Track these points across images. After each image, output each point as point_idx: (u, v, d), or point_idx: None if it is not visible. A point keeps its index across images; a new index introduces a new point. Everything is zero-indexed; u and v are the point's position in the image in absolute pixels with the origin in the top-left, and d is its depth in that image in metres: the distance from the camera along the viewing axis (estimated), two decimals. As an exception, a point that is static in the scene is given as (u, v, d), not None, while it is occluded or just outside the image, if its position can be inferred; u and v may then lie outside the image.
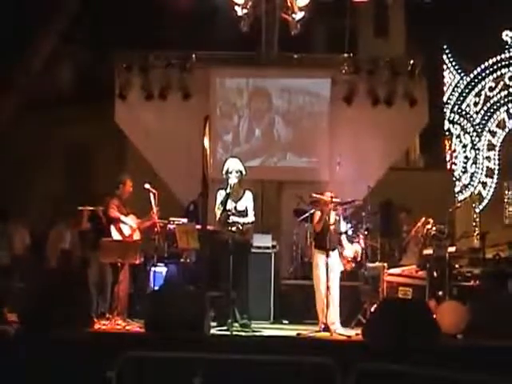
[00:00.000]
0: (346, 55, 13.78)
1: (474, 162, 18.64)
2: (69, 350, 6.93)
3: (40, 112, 15.58)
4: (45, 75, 14.94)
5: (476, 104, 18.74)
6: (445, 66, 18.90)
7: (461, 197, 18.28)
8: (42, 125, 15.74)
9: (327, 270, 8.84)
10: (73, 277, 10.78)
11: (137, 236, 9.49)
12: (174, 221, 10.48)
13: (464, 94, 18.84)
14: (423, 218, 10.54)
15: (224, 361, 6.13)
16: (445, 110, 18.68)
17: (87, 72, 16.03)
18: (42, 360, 6.78)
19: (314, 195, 9.61)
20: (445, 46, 18.81)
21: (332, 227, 9.14)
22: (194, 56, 13.43)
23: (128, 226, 9.40)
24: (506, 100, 18.33)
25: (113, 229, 9.35)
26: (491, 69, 18.51)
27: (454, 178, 18.12)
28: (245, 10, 13.02)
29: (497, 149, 18.48)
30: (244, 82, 13.88)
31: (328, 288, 8.79)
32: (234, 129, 13.75)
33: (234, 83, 13.88)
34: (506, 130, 18.35)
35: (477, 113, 18.68)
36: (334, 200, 9.16)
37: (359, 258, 10.37)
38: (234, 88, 13.85)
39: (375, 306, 8.87)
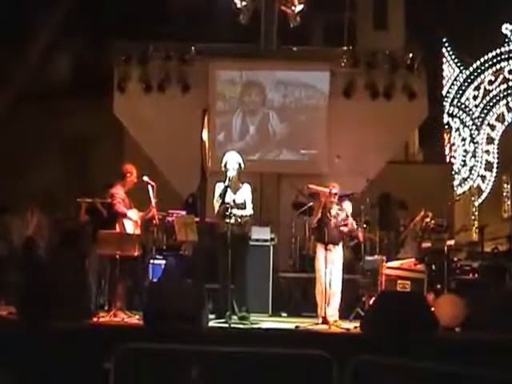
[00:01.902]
0: (345, 48, 13.77)
1: (473, 156, 18.65)
2: (67, 341, 6.94)
3: (38, 104, 15.53)
4: (43, 67, 14.91)
5: (475, 97, 18.75)
6: (444, 60, 18.90)
7: (460, 190, 18.30)
8: (40, 117, 15.69)
9: (327, 263, 8.83)
10: (72, 269, 10.76)
11: (138, 231, 9.46)
12: (172, 213, 10.48)
13: (463, 88, 18.84)
14: (422, 212, 10.54)
15: (222, 353, 6.13)
16: (444, 103, 18.69)
17: (86, 64, 15.97)
18: (40, 351, 6.79)
19: (311, 186, 9.58)
20: (444, 39, 18.80)
21: (333, 221, 9.12)
22: (193, 48, 13.41)
23: (132, 222, 9.32)
24: (505, 93, 18.33)
25: (116, 225, 9.29)
26: (491, 62, 18.51)
27: (453, 172, 18.11)
28: (244, 3, 13.05)
29: (496, 142, 18.49)
30: (238, 74, 13.85)
31: (329, 281, 8.80)
32: (228, 125, 13.72)
33: (230, 76, 13.84)
34: (505, 123, 18.35)
35: (476, 106, 18.69)
36: (331, 192, 9.12)
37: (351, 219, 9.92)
38: (229, 81, 13.81)
39: (374, 299, 8.88)
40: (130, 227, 9.25)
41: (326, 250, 8.90)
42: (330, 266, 8.87)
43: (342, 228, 9.24)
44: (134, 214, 9.37)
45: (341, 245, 9.28)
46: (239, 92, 13.82)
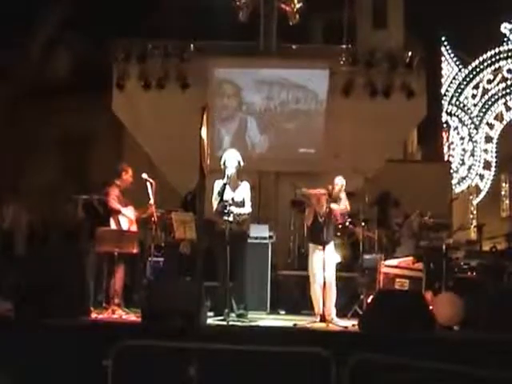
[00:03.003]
0: (344, 46, 13.76)
1: (472, 155, 18.66)
2: (65, 338, 6.94)
3: (37, 101, 15.54)
4: (42, 65, 14.91)
5: (474, 96, 18.76)
6: (443, 58, 18.91)
7: (458, 189, 18.31)
8: (39, 113, 15.69)
9: (322, 263, 8.81)
10: (70, 265, 10.75)
11: (134, 228, 9.45)
12: (171, 210, 10.47)
13: (462, 87, 18.85)
14: (417, 211, 10.54)
15: (220, 351, 6.13)
16: (443, 102, 18.70)
17: (85, 61, 15.98)
18: (38, 348, 6.79)
19: (304, 190, 9.55)
20: (443, 38, 18.80)
21: (321, 220, 9.08)
22: (192, 46, 13.40)
23: (127, 219, 9.33)
24: (503, 92, 18.35)
25: (111, 221, 9.29)
26: (489, 61, 18.52)
27: (452, 171, 18.13)
28: (243, 0, 13.01)
29: (494, 141, 18.50)
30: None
31: (324, 280, 8.78)
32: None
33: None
34: (504, 122, 18.36)
35: (475, 105, 18.70)
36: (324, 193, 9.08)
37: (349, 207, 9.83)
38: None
39: (372, 297, 8.87)
40: (125, 223, 9.25)
41: (319, 250, 8.87)
42: (326, 265, 8.85)
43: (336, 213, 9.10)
44: (129, 211, 9.37)
45: (332, 243, 9.24)
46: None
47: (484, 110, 18.59)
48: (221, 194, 8.73)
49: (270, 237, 10.99)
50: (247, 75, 13.56)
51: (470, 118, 18.73)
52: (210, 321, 8.24)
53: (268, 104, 13.53)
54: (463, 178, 18.61)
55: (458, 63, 18.88)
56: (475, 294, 8.98)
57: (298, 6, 13.00)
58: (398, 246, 10.94)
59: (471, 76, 18.79)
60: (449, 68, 18.93)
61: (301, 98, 13.53)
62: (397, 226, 11.34)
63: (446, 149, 19.06)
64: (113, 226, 9.26)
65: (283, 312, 10.65)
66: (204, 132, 11.36)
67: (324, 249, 8.76)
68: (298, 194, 10.45)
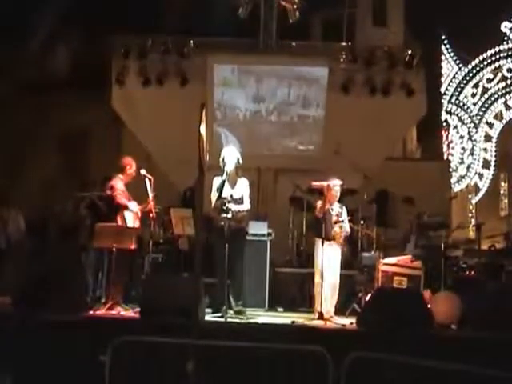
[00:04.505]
0: (343, 44, 13.76)
1: (471, 153, 18.63)
2: (63, 333, 6.93)
3: (36, 97, 15.52)
4: (41, 60, 14.89)
5: (474, 95, 18.73)
6: (443, 57, 18.88)
7: (457, 188, 18.30)
8: (38, 109, 15.68)
9: (328, 258, 8.82)
10: (69, 261, 10.75)
11: (137, 223, 9.45)
12: (170, 207, 10.46)
13: (462, 85, 18.82)
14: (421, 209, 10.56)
15: (218, 347, 6.13)
16: (442, 100, 18.68)
17: (84, 57, 15.96)
18: (36, 343, 6.78)
19: (314, 183, 9.56)
20: (443, 37, 18.79)
21: (334, 218, 9.10)
22: (191, 42, 13.39)
23: (132, 214, 9.30)
24: (503, 91, 18.31)
25: (118, 218, 9.25)
26: (489, 60, 18.49)
27: (451, 169, 18.14)
28: (244, -3, 13.02)
29: (494, 140, 18.47)
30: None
31: (328, 277, 8.79)
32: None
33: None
34: (504, 121, 18.33)
35: (474, 104, 18.67)
36: (330, 185, 9.10)
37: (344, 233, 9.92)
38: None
39: (370, 295, 8.87)
40: (131, 219, 9.24)
41: (326, 244, 8.87)
42: (328, 261, 8.87)
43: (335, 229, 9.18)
44: (134, 206, 9.36)
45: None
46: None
47: (484, 108, 18.57)
48: (219, 190, 8.72)
49: (269, 234, 10.98)
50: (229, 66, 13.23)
51: (470, 116, 18.71)
52: (208, 317, 8.24)
53: (257, 108, 13.27)
54: (462, 177, 18.59)
55: (457, 62, 18.86)
56: (473, 292, 8.98)
57: (297, 3, 12.98)
58: (409, 243, 10.93)
59: (471, 75, 18.77)
60: (449, 66, 18.91)
61: (311, 100, 13.34)
62: (408, 222, 11.30)
63: (445, 147, 19.04)
64: (119, 222, 9.23)
65: (281, 309, 10.65)
66: (203, 128, 11.38)
67: (329, 244, 8.79)
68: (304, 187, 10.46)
